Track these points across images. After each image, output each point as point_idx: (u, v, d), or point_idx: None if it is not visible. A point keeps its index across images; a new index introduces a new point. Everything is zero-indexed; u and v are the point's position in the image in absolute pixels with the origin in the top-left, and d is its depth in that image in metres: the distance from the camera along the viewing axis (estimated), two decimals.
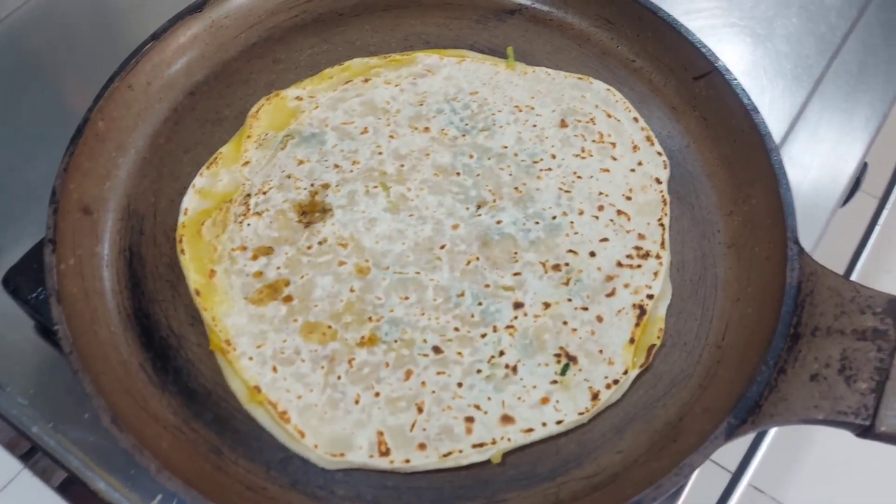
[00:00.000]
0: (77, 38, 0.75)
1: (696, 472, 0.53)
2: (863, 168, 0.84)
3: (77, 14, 0.76)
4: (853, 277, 1.01)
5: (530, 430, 0.48)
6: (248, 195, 0.56)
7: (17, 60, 0.72)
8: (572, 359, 0.50)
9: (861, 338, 0.45)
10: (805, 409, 0.44)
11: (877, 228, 1.07)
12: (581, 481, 0.48)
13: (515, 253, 0.54)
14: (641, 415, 0.50)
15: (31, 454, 0.56)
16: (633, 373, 0.50)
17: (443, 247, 0.54)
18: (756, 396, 0.46)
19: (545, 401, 0.49)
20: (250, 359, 0.50)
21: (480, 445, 0.47)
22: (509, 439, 0.47)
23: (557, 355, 0.50)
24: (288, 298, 0.52)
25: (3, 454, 0.56)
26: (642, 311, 0.52)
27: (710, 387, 0.50)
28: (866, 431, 0.43)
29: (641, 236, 0.55)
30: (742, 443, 0.80)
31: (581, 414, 0.48)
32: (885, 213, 1.08)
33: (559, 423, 0.48)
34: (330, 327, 0.51)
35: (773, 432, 0.81)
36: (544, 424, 0.48)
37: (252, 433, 0.50)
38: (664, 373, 0.51)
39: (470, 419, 0.48)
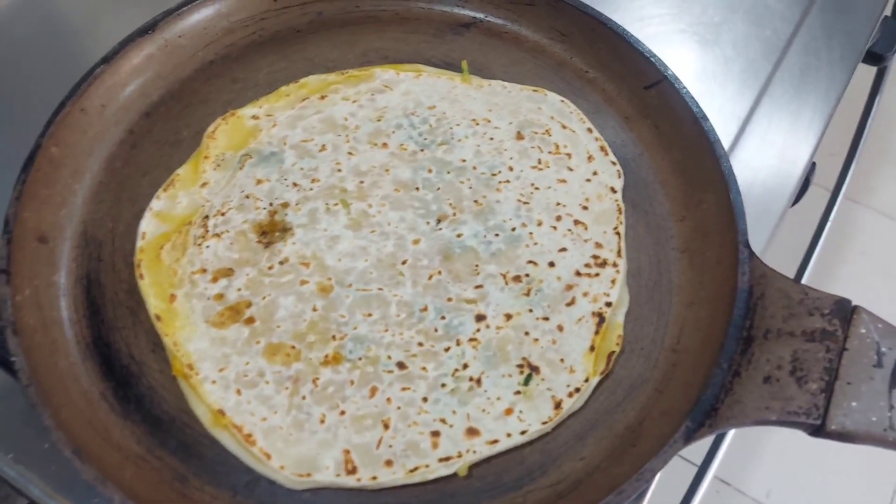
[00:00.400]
0: (28, 60, 0.74)
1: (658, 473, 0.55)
2: (811, 167, 0.86)
3: (27, 35, 0.75)
4: (807, 274, 1.04)
5: (495, 441, 0.48)
6: (207, 217, 0.56)
7: None
8: (535, 369, 0.51)
9: (810, 339, 0.47)
10: (758, 410, 0.46)
11: (828, 223, 1.10)
12: (546, 489, 0.48)
13: (477, 265, 0.55)
14: (602, 420, 0.51)
15: None
16: (594, 380, 0.51)
17: (405, 262, 0.55)
18: (711, 400, 0.47)
19: (509, 412, 0.49)
20: (213, 382, 0.50)
21: (447, 459, 0.48)
22: (475, 451, 0.48)
23: (520, 366, 0.51)
24: (250, 320, 0.52)
25: None
26: (601, 318, 0.53)
27: (666, 390, 0.51)
28: (818, 430, 0.44)
29: (598, 245, 0.56)
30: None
31: (545, 423, 0.49)
32: (835, 207, 1.12)
33: (523, 433, 0.49)
34: (293, 347, 0.51)
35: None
36: (509, 435, 0.49)
37: (217, 458, 0.49)
38: (623, 378, 0.53)
39: (436, 433, 0.49)
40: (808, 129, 0.74)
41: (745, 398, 0.47)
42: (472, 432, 0.49)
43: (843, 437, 0.43)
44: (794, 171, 0.72)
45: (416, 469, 0.47)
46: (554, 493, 0.48)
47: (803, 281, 1.01)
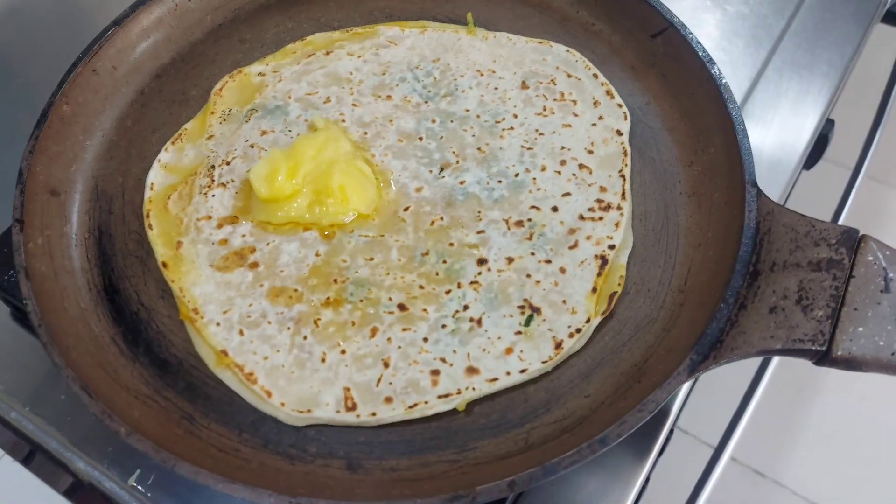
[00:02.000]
0: (43, 33, 0.75)
1: (668, 431, 0.54)
2: (829, 125, 0.85)
3: (42, 11, 0.77)
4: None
5: (494, 379, 0.48)
6: (213, 167, 0.57)
7: None
8: (536, 310, 0.51)
9: (816, 269, 0.46)
10: (763, 339, 0.45)
11: (848, 202, 1.08)
12: (550, 426, 0.48)
13: (479, 212, 0.55)
14: (608, 360, 0.51)
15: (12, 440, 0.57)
16: (596, 321, 0.51)
17: (407, 209, 0.55)
18: (717, 332, 0.47)
19: (509, 351, 0.49)
20: (217, 325, 0.50)
21: (446, 396, 0.48)
22: (474, 389, 0.48)
23: (521, 307, 0.51)
24: (254, 265, 0.53)
25: None
26: (604, 261, 0.52)
27: (673, 329, 0.50)
28: (823, 358, 0.43)
29: (603, 189, 0.56)
30: (724, 416, 0.81)
31: (545, 363, 0.49)
32: (856, 186, 1.09)
33: (523, 371, 0.49)
34: (296, 290, 0.51)
35: (755, 406, 0.82)
36: (508, 374, 0.48)
37: (223, 398, 0.50)
38: (629, 319, 0.52)
39: (436, 372, 0.48)
40: (821, 84, 0.73)
41: (750, 329, 0.46)
42: (471, 371, 0.49)
43: (850, 363, 0.42)
44: (807, 125, 0.71)
45: (415, 405, 0.47)
46: (558, 429, 0.48)
47: None
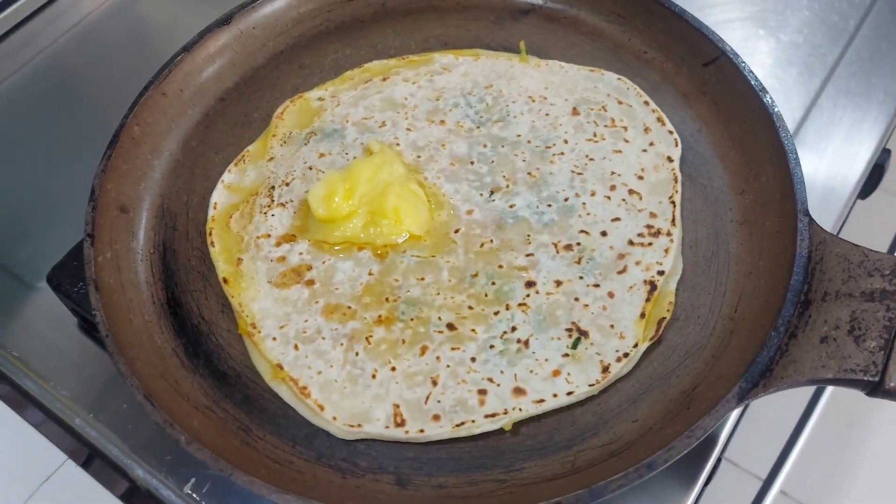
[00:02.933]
0: (115, 57, 0.79)
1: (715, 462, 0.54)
2: (885, 154, 0.84)
3: (116, 33, 0.81)
4: None
5: (541, 400, 0.49)
6: (273, 187, 0.59)
7: (61, 81, 0.77)
8: (584, 333, 0.51)
9: (869, 299, 0.46)
10: (814, 369, 0.45)
11: None
12: (597, 449, 0.48)
13: (529, 235, 0.56)
14: (657, 385, 0.51)
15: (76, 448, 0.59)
16: (644, 346, 0.51)
17: (458, 231, 0.56)
18: (767, 361, 0.47)
19: (556, 373, 0.50)
20: (274, 339, 0.52)
21: (493, 416, 0.48)
22: (521, 409, 0.48)
23: (569, 330, 0.52)
24: (310, 282, 0.54)
25: (49, 446, 0.59)
26: (653, 286, 0.53)
27: (723, 356, 0.50)
28: (875, 389, 0.43)
29: (653, 215, 0.56)
30: (774, 448, 0.80)
31: (591, 386, 0.49)
32: None
33: (570, 394, 0.49)
34: (350, 308, 0.53)
35: (805, 438, 0.80)
36: (555, 396, 0.49)
37: (279, 411, 0.52)
38: (678, 345, 0.52)
39: (483, 391, 0.49)
40: (877, 113, 0.72)
41: (801, 358, 0.46)
42: (518, 391, 0.49)
43: None
44: (862, 154, 0.70)
45: (462, 424, 0.48)
46: (605, 453, 0.48)
47: None
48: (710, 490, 0.59)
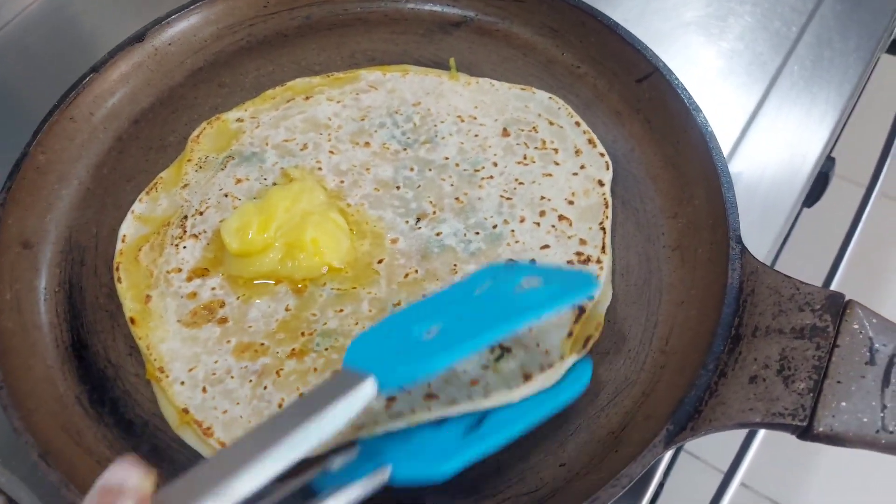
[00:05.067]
0: (31, 72, 0.75)
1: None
2: (830, 163, 0.82)
3: (33, 47, 0.77)
4: (837, 278, 0.98)
5: (453, 401, 0.46)
6: (185, 217, 0.56)
7: None
8: (507, 350, 0.49)
9: (799, 336, 0.44)
10: (742, 412, 0.43)
11: (860, 223, 1.05)
12: (523, 497, 0.46)
13: (455, 265, 0.53)
14: (585, 425, 0.49)
15: None
16: (569, 359, 0.48)
17: (381, 261, 0.54)
18: (695, 402, 0.45)
19: (474, 383, 0.47)
20: (182, 383, 0.49)
21: (398, 416, 0.46)
22: (430, 409, 0.46)
23: (492, 349, 0.49)
24: (223, 320, 0.51)
25: None
26: (581, 310, 0.50)
27: (652, 393, 0.48)
28: (805, 433, 0.41)
29: (583, 241, 0.54)
30: (734, 441, 0.78)
31: (510, 390, 0.46)
32: (868, 206, 1.06)
33: (487, 396, 0.46)
34: (262, 344, 0.50)
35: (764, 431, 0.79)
36: (470, 398, 0.46)
37: (188, 462, 0.49)
38: (608, 381, 0.50)
39: (392, 399, 0.47)
40: (820, 123, 0.71)
41: (730, 399, 0.44)
42: (430, 397, 0.46)
43: (832, 439, 0.40)
44: (805, 165, 0.69)
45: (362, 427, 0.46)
46: (532, 500, 0.46)
47: (834, 285, 0.97)
48: (670, 483, 0.57)
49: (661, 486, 0.52)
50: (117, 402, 0.51)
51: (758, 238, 0.63)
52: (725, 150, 0.67)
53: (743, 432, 0.79)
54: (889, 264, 1.56)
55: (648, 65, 0.60)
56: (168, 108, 0.64)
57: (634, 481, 0.43)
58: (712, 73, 0.73)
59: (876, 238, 1.51)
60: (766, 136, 0.69)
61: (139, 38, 0.64)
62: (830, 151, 0.80)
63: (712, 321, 0.48)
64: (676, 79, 0.59)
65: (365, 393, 0.39)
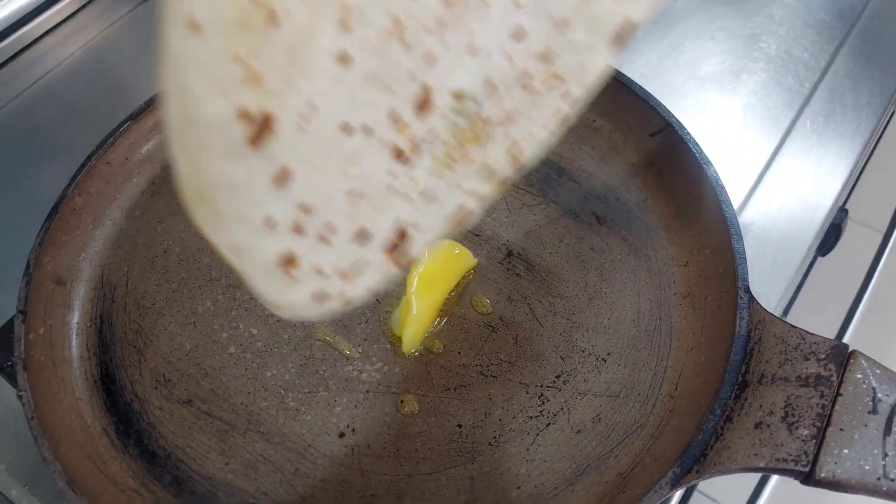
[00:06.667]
0: (74, 118, 0.79)
1: None
2: (842, 214, 0.84)
3: (78, 92, 0.81)
4: (850, 329, 0.98)
5: None
6: None
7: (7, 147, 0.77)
8: None
9: (804, 384, 0.45)
10: (747, 457, 0.44)
11: (876, 272, 1.05)
12: None
13: None
14: (594, 466, 0.50)
15: None
16: None
17: None
18: (702, 446, 0.46)
19: None
20: None
21: None
22: None
23: None
24: None
25: None
26: None
27: (661, 436, 0.49)
28: (807, 478, 0.42)
29: None
30: (748, 483, 0.78)
31: None
32: (885, 254, 1.06)
33: None
34: None
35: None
36: None
37: (207, 494, 0.50)
38: (618, 424, 0.51)
39: None
40: (832, 176, 0.72)
41: (735, 444, 0.45)
42: None
43: (834, 485, 0.41)
44: (817, 216, 0.70)
45: None
46: None
47: (846, 338, 0.97)
48: None
49: None
50: (142, 433, 0.53)
51: (769, 287, 0.64)
52: (738, 200, 0.69)
53: (757, 474, 0.79)
54: None
55: (661, 120, 0.62)
56: None
57: None
58: (726, 126, 0.75)
59: (893, 284, 1.50)
60: (779, 188, 0.71)
61: None
62: (844, 203, 0.82)
63: (720, 368, 0.49)
64: (688, 133, 0.61)
65: None
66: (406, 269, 0.38)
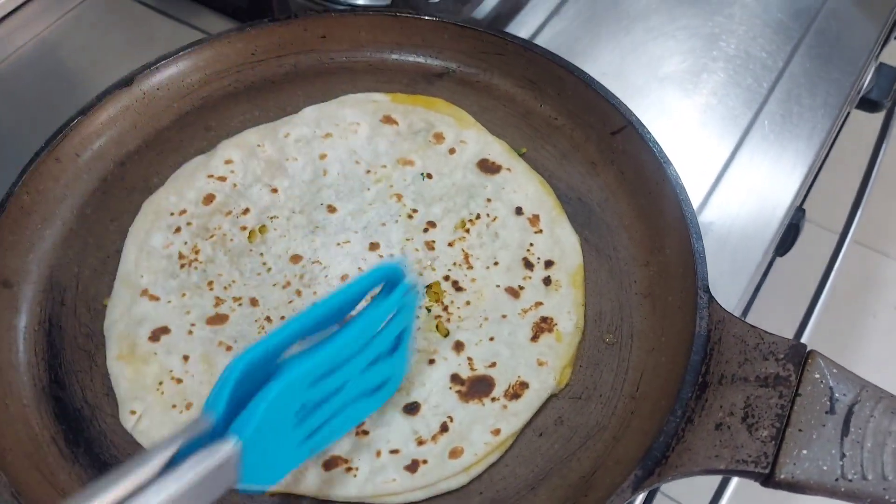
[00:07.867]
0: (20, 114, 0.76)
1: None
2: (800, 214, 0.85)
3: (23, 89, 0.78)
4: (809, 328, 1.00)
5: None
6: None
7: None
8: None
9: (763, 384, 0.45)
10: (707, 459, 0.44)
11: (833, 270, 1.07)
12: None
13: None
14: (556, 469, 0.49)
15: None
16: None
17: None
18: (662, 448, 0.46)
19: None
20: None
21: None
22: None
23: None
24: None
25: None
26: None
27: (623, 438, 0.49)
28: (767, 480, 0.42)
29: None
30: (710, 484, 0.79)
31: None
32: (841, 253, 1.08)
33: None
34: None
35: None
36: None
37: None
38: (580, 426, 0.51)
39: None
40: (789, 175, 0.73)
41: (696, 446, 0.45)
42: None
43: (793, 487, 0.41)
44: (775, 216, 0.71)
45: None
46: None
47: (805, 337, 0.98)
48: None
49: None
50: (92, 442, 0.51)
51: (728, 286, 0.64)
52: (697, 200, 0.69)
53: (718, 476, 0.79)
54: (862, 310, 1.59)
55: (622, 118, 0.62)
56: (154, 150, 0.65)
57: None
58: (686, 125, 0.75)
59: (849, 284, 1.54)
60: (738, 188, 0.72)
61: (127, 82, 0.66)
62: (801, 203, 0.83)
63: (681, 368, 0.49)
64: (649, 133, 0.61)
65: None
66: None
